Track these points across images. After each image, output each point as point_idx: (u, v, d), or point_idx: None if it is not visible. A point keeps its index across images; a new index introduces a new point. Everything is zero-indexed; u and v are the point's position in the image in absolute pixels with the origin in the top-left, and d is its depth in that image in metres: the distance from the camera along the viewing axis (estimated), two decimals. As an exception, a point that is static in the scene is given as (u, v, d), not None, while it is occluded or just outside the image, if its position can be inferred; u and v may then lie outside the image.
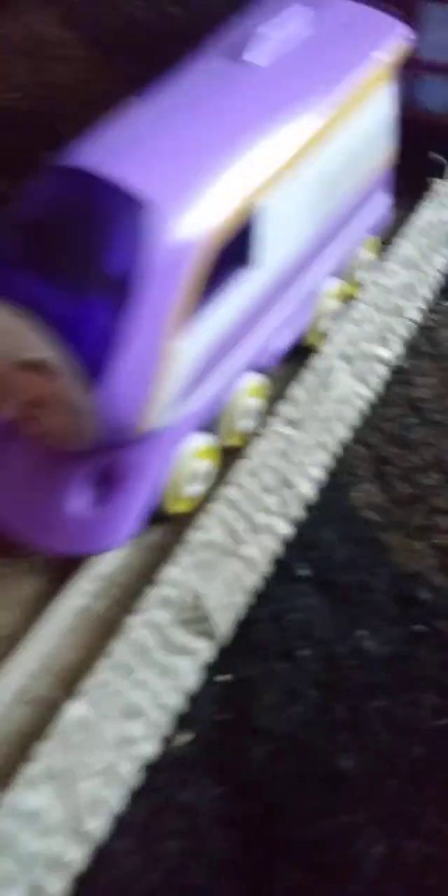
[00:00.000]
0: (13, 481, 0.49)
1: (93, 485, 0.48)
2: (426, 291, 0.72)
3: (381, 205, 0.67)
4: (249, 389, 0.55)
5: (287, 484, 0.55)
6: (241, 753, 0.45)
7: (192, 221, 0.45)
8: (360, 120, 0.58)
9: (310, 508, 0.56)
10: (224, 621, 0.49)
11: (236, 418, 0.55)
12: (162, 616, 0.47)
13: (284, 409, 0.57)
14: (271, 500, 0.54)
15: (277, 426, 0.56)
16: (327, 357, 0.61)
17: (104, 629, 0.47)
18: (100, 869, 0.41)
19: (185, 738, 0.46)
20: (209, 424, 0.53)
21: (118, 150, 0.46)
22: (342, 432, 0.61)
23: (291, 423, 0.57)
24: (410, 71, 0.73)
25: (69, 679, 0.45)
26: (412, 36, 0.62)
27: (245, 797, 0.44)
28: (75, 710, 0.43)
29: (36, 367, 0.43)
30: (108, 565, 0.50)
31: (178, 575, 0.48)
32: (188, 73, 0.54)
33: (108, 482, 0.48)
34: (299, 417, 0.58)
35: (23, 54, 1.13)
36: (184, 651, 0.48)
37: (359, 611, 0.52)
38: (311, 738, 0.46)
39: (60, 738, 0.42)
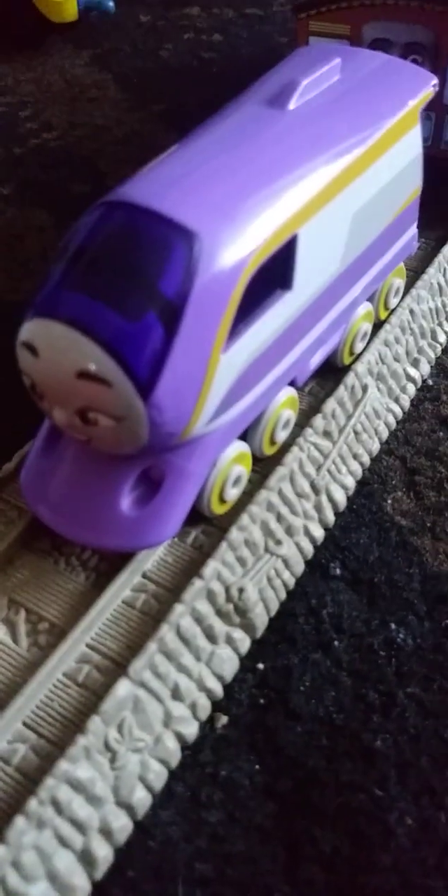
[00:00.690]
0: (66, 483, 0.53)
1: (141, 486, 0.53)
2: (454, 316, 0.75)
3: (410, 235, 0.71)
4: (285, 402, 0.59)
5: (321, 490, 0.59)
6: (278, 733, 0.48)
7: (233, 249, 0.49)
8: (391, 158, 0.63)
9: (343, 513, 0.60)
10: (262, 614, 0.53)
11: (273, 429, 0.59)
12: (205, 607, 0.51)
13: (318, 421, 0.61)
14: (307, 505, 0.58)
15: (312, 437, 0.60)
16: (359, 375, 0.64)
17: (144, 620, 0.51)
18: (146, 836, 0.44)
19: (224, 719, 0.49)
20: (247, 434, 0.57)
21: (167, 187, 0.51)
22: (374, 444, 0.64)
23: (325, 434, 0.61)
24: (438, 114, 0.78)
25: (114, 664, 0.49)
26: (437, 83, 0.67)
27: (281, 772, 0.47)
28: (127, 690, 0.46)
29: (92, 377, 0.47)
30: (149, 562, 0.54)
31: (220, 570, 0.52)
32: (230, 116, 0.59)
33: (154, 484, 0.53)
34: (332, 429, 0.61)
35: (58, 96, 1.21)
36: (225, 640, 0.51)
37: (390, 607, 0.54)
38: (345, 720, 0.49)
39: (112, 714, 0.45)
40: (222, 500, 0.56)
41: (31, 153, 1.07)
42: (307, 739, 0.48)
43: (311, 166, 0.55)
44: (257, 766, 0.47)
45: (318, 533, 0.58)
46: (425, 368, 0.71)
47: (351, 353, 0.67)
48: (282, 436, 0.60)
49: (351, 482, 0.61)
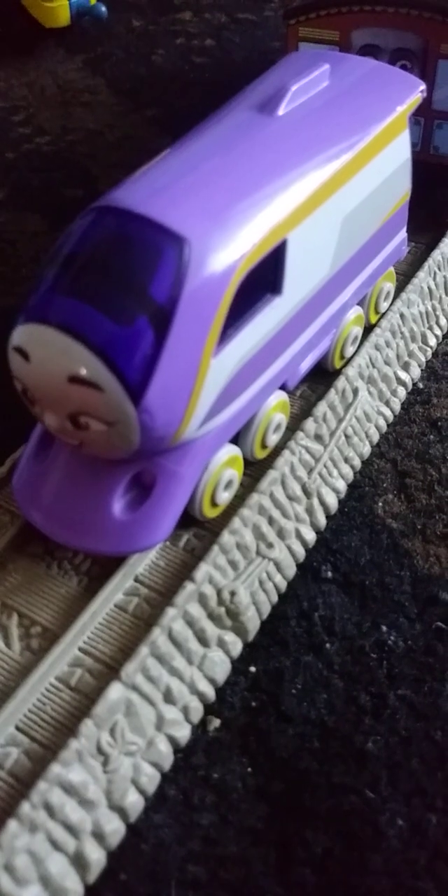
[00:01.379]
0: (58, 487, 0.53)
1: (132, 490, 0.53)
2: (443, 320, 0.76)
3: (399, 239, 0.71)
4: (276, 406, 0.60)
5: (312, 493, 0.59)
6: (270, 736, 0.49)
7: (224, 254, 0.50)
8: (380, 163, 0.63)
9: (335, 517, 0.60)
10: (254, 617, 0.53)
11: (264, 432, 0.59)
12: (196, 611, 0.51)
13: (309, 425, 0.61)
14: (298, 508, 0.58)
15: (303, 440, 0.60)
16: (350, 378, 0.65)
17: (136, 624, 0.51)
18: (139, 839, 0.45)
19: (216, 722, 0.49)
20: (238, 437, 0.58)
21: (158, 192, 0.51)
22: (365, 448, 0.64)
23: (316, 437, 0.61)
24: (426, 119, 0.79)
25: (107, 667, 0.49)
26: (425, 89, 0.68)
27: (274, 774, 0.47)
28: (119, 693, 0.46)
29: (83, 381, 0.47)
30: (141, 566, 0.54)
31: (212, 573, 0.52)
32: (220, 122, 0.59)
33: (146, 488, 0.53)
34: (323, 433, 0.62)
35: (51, 100, 1.21)
36: (217, 644, 0.51)
37: (382, 609, 0.55)
38: (337, 722, 0.49)
39: (104, 718, 0.46)
40: (214, 504, 0.56)
41: (23, 158, 1.07)
42: (299, 742, 0.48)
43: (300, 171, 0.55)
44: (249, 769, 0.47)
45: (310, 536, 0.58)
46: (416, 372, 0.71)
47: (342, 357, 0.67)
48: (273, 439, 0.61)
49: (342, 485, 0.62)
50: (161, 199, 0.50)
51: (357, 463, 0.64)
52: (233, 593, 0.52)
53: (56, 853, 0.42)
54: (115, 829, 0.44)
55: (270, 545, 0.55)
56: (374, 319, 0.71)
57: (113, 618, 0.51)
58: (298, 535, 0.57)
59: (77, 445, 0.50)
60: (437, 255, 0.77)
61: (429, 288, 0.75)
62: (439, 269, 0.77)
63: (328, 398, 0.63)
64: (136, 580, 0.53)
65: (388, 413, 0.68)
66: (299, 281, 0.57)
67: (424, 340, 0.74)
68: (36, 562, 0.55)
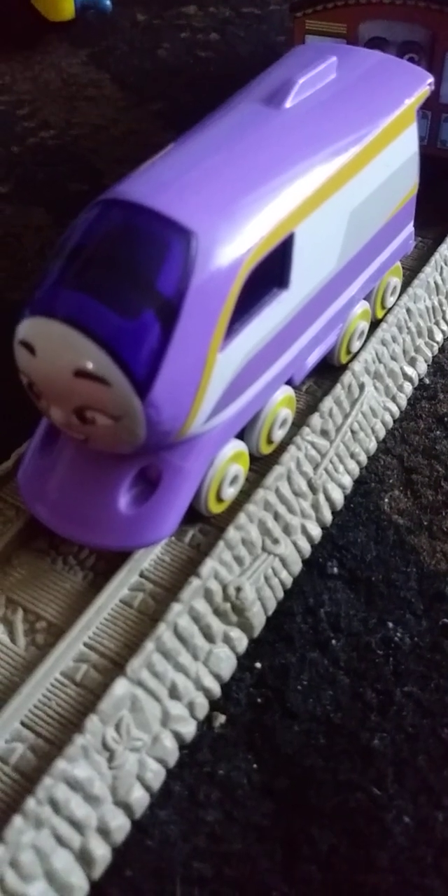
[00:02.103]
0: (64, 482, 0.53)
1: (138, 485, 0.53)
2: (450, 314, 0.76)
3: (406, 233, 0.71)
4: (282, 401, 0.59)
5: (318, 489, 0.59)
6: (276, 732, 0.48)
7: (230, 247, 0.49)
8: (387, 156, 0.63)
9: (341, 512, 0.60)
10: (260, 613, 0.53)
11: (270, 427, 0.59)
12: (202, 606, 0.51)
13: (315, 420, 0.61)
14: (304, 504, 0.58)
15: (309, 436, 0.60)
16: (356, 373, 0.64)
17: (142, 620, 0.51)
18: (144, 836, 0.44)
19: (222, 718, 0.49)
20: (244, 432, 0.57)
21: (164, 185, 0.51)
22: (371, 443, 0.64)
23: (323, 433, 0.61)
24: (434, 113, 0.78)
25: (112, 663, 0.49)
26: (433, 82, 0.67)
27: (279, 771, 0.47)
28: (125, 689, 0.46)
29: (90, 375, 0.47)
30: (146, 561, 0.53)
31: (218, 569, 0.52)
32: (227, 115, 0.59)
33: (151, 483, 0.53)
34: (329, 428, 0.61)
35: (55, 94, 1.21)
36: (222, 639, 0.51)
37: (388, 605, 0.54)
38: (343, 719, 0.49)
39: (110, 713, 0.45)
40: (219, 499, 0.55)
41: (28, 151, 1.07)
42: (305, 738, 0.48)
43: (307, 165, 0.55)
44: (255, 766, 0.47)
45: (316, 532, 0.58)
46: (422, 367, 0.71)
47: (348, 352, 0.67)
48: (279, 435, 0.60)
49: (348, 481, 0.61)
50: (168, 192, 0.50)
51: (363, 459, 0.63)
52: (238, 589, 0.52)
53: (61, 849, 0.42)
54: (120, 825, 0.44)
55: (276, 541, 0.55)
56: (380, 314, 0.71)
57: (118, 613, 0.51)
58: (304, 531, 0.57)
59: (83, 440, 0.50)
60: (443, 249, 0.77)
61: (435, 283, 0.75)
62: (446, 263, 0.76)
63: (334, 393, 0.63)
64: (142, 575, 0.53)
65: (395, 408, 0.67)
66: (306, 275, 0.57)
67: (431, 336, 0.73)
68: (41, 557, 0.55)
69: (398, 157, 0.65)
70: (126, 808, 0.45)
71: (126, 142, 1.09)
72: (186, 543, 0.55)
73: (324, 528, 0.59)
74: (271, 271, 0.54)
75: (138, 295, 0.47)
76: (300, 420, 0.62)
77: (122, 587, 0.52)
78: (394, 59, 0.69)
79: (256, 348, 0.54)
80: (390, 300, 0.72)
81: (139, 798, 0.45)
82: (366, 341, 0.68)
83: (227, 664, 0.51)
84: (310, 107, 0.59)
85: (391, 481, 0.63)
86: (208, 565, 0.51)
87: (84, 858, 0.43)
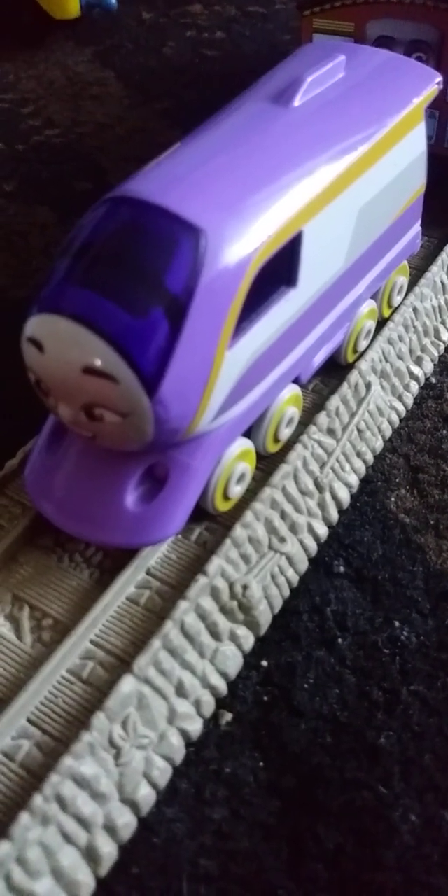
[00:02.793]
0: (70, 479, 0.53)
1: (145, 483, 0.53)
2: (457, 314, 0.75)
3: (413, 233, 0.71)
4: (289, 399, 0.59)
5: (325, 488, 0.59)
6: (282, 730, 0.48)
7: (239, 245, 0.49)
8: (395, 155, 0.63)
9: (347, 511, 0.60)
10: (266, 611, 0.53)
11: (277, 426, 0.59)
12: (209, 604, 0.51)
13: (322, 419, 0.61)
14: (310, 503, 0.58)
15: (316, 435, 0.60)
16: (363, 372, 0.64)
17: (148, 617, 0.51)
18: (150, 833, 0.44)
19: (228, 716, 0.49)
20: (251, 431, 0.57)
21: (173, 182, 0.51)
22: (378, 442, 0.64)
23: (329, 432, 0.61)
24: (442, 112, 0.78)
25: (119, 660, 0.48)
26: (442, 81, 0.67)
27: (286, 769, 0.47)
28: (131, 686, 0.46)
29: (98, 373, 0.47)
30: (153, 559, 0.53)
31: (224, 567, 0.52)
32: (235, 113, 0.58)
33: (158, 481, 0.53)
34: (336, 427, 0.61)
35: (60, 93, 1.21)
36: (229, 637, 0.51)
37: (394, 604, 0.54)
38: (349, 717, 0.49)
39: (116, 711, 0.45)
40: (226, 497, 0.55)
41: (33, 150, 1.07)
42: (311, 737, 0.48)
43: (315, 163, 0.55)
44: (261, 763, 0.47)
45: (322, 531, 0.58)
46: (428, 366, 0.71)
47: (354, 351, 0.67)
48: (286, 433, 0.60)
49: (354, 480, 0.61)
50: (177, 189, 0.50)
51: (369, 458, 0.63)
52: (245, 587, 0.52)
53: (68, 846, 0.42)
54: (126, 822, 0.44)
55: (283, 539, 0.55)
56: (387, 313, 0.71)
57: (125, 610, 0.51)
58: (311, 530, 0.57)
59: (90, 437, 0.50)
60: (450, 249, 0.77)
61: (442, 282, 0.75)
62: (453, 263, 0.76)
63: (341, 392, 0.63)
64: (148, 573, 0.53)
65: (401, 408, 0.67)
66: (314, 273, 0.57)
67: (437, 335, 0.73)
68: (47, 554, 0.55)
69: (406, 156, 0.64)
70: (133, 805, 0.45)
71: (131, 140, 1.09)
72: (193, 541, 0.55)
73: (330, 526, 0.59)
74: (279, 270, 0.54)
75: (147, 292, 0.47)
76: (307, 419, 0.62)
77: (128, 585, 0.52)
78: (402, 58, 0.69)
79: (264, 346, 0.54)
80: (397, 299, 0.71)
81: (146, 795, 0.45)
82: (372, 340, 0.68)
83: (233, 662, 0.51)
84: (318, 105, 0.59)
85: (397, 480, 0.63)
86: (215, 563, 0.51)
87: (90, 855, 0.43)
